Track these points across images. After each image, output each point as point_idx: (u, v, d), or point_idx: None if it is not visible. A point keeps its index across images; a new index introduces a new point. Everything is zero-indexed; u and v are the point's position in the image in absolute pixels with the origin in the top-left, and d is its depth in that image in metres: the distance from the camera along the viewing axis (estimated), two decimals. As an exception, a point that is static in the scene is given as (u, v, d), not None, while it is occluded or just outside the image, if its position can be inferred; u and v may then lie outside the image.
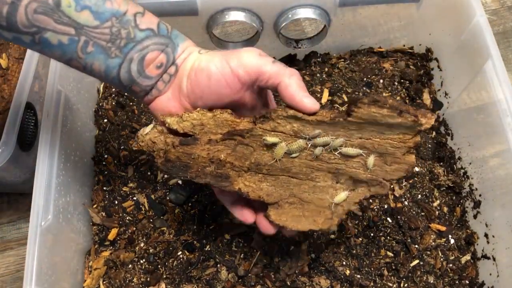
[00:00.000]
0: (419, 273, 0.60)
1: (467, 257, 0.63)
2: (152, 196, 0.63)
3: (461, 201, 0.66)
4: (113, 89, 0.71)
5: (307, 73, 0.73)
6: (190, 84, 0.43)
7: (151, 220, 0.62)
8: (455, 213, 0.65)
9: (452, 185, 0.66)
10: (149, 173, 0.65)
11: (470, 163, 0.66)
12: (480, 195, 0.63)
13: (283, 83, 0.42)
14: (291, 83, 0.42)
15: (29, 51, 0.63)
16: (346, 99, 0.71)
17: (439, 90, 0.74)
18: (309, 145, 0.44)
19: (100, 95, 0.71)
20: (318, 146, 0.44)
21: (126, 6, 0.40)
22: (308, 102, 0.42)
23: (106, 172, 0.65)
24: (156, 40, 0.42)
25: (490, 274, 0.60)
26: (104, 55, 0.41)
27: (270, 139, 0.44)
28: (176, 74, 0.44)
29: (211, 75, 0.42)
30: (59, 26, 0.38)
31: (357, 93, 0.71)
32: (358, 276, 0.59)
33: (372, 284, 0.59)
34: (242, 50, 0.44)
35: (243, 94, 0.44)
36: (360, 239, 0.61)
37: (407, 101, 0.72)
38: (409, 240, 0.62)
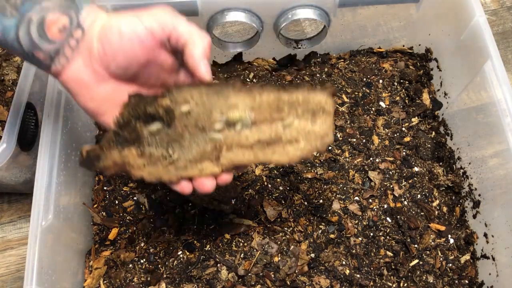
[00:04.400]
0: (418, 272, 0.60)
1: (467, 256, 0.63)
2: (153, 196, 0.64)
3: (461, 201, 0.66)
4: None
5: (307, 73, 0.73)
6: (101, 46, 0.41)
7: (151, 220, 0.62)
8: (454, 213, 0.65)
9: (451, 185, 0.66)
10: (149, 173, 0.65)
11: (469, 163, 0.66)
12: (479, 195, 0.64)
13: (192, 42, 0.41)
14: (200, 45, 0.41)
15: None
16: (346, 99, 0.71)
17: (438, 90, 0.74)
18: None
19: (100, 95, 0.71)
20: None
21: None
22: (204, 68, 0.41)
23: (106, 172, 0.65)
24: (56, 1, 0.40)
25: (490, 274, 0.60)
26: None
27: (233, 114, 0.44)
28: (84, 38, 0.42)
29: (123, 34, 0.41)
30: None
31: (356, 93, 0.71)
32: (358, 275, 0.59)
33: (371, 283, 0.59)
34: (154, 8, 0.43)
35: (158, 53, 0.43)
36: (360, 238, 0.62)
37: (406, 101, 0.72)
38: (408, 240, 0.62)
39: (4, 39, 0.40)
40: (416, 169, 0.67)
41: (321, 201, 0.63)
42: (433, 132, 0.71)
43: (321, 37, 0.71)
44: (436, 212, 0.64)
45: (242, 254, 0.59)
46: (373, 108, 0.71)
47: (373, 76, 0.73)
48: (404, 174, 0.66)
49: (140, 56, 0.42)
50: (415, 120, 0.71)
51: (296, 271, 0.59)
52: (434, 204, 0.65)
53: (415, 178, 0.66)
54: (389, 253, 0.61)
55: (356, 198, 0.64)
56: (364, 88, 0.72)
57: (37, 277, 0.48)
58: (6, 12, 0.39)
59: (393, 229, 0.63)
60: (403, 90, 0.73)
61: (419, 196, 0.65)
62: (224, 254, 0.59)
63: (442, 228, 0.63)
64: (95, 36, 0.41)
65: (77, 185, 0.60)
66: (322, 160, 0.66)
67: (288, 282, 0.58)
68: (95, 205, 0.64)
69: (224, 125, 0.43)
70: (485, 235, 0.62)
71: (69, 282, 0.57)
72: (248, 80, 0.72)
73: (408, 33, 0.75)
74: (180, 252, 0.60)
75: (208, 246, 0.60)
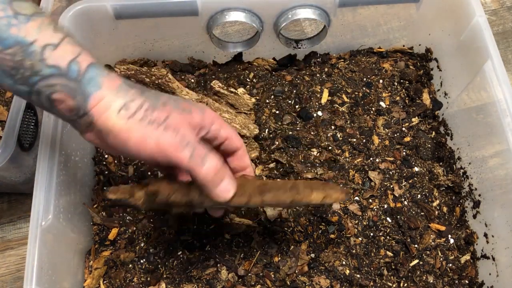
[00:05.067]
0: (418, 272, 0.60)
1: (467, 256, 0.63)
2: (152, 196, 0.64)
3: (461, 201, 0.66)
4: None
5: (307, 73, 0.73)
6: (117, 145, 0.40)
7: (151, 220, 0.62)
8: (454, 213, 0.65)
9: (451, 185, 0.66)
10: (149, 173, 0.65)
11: (469, 163, 0.66)
12: (479, 195, 0.64)
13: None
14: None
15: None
16: (346, 99, 0.71)
17: (438, 90, 0.74)
18: None
19: (100, 95, 0.71)
20: None
21: (36, 36, 0.36)
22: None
23: (106, 172, 0.65)
24: (63, 81, 0.37)
25: (490, 274, 0.60)
26: (11, 80, 0.37)
27: None
28: (93, 127, 0.40)
29: (146, 149, 0.39)
30: None
31: (356, 93, 0.71)
32: (358, 275, 0.59)
33: (371, 283, 0.59)
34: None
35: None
36: (360, 238, 0.61)
37: (406, 101, 0.72)
38: (408, 240, 0.62)
39: (19, 95, 0.41)
40: (416, 169, 0.67)
41: (321, 201, 0.63)
42: (433, 132, 0.71)
43: (321, 37, 0.71)
44: (436, 212, 0.64)
45: (242, 254, 0.59)
46: (373, 108, 0.71)
47: (373, 76, 0.73)
48: (404, 174, 0.66)
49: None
50: (415, 120, 0.71)
51: (296, 271, 0.59)
52: (434, 204, 0.65)
53: (415, 178, 0.66)
54: (389, 253, 0.61)
55: (356, 198, 0.64)
56: (364, 88, 0.72)
57: (37, 277, 0.48)
58: (16, 79, 0.38)
59: (393, 229, 0.63)
60: (403, 90, 0.73)
61: (419, 196, 0.65)
62: (224, 254, 0.59)
63: (442, 228, 0.63)
64: (108, 132, 0.39)
65: (77, 185, 0.60)
66: (322, 160, 0.66)
67: (288, 282, 0.58)
68: (95, 205, 0.64)
69: None
70: (485, 235, 0.62)
71: (69, 282, 0.57)
72: (248, 80, 0.72)
73: (408, 33, 0.75)
74: (180, 252, 0.60)
75: (208, 246, 0.60)
